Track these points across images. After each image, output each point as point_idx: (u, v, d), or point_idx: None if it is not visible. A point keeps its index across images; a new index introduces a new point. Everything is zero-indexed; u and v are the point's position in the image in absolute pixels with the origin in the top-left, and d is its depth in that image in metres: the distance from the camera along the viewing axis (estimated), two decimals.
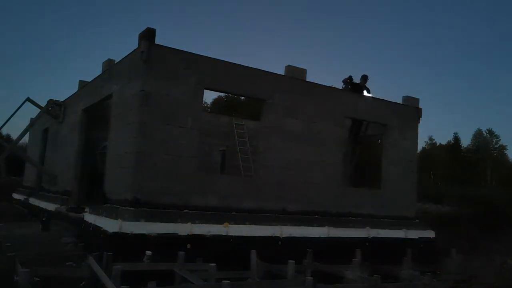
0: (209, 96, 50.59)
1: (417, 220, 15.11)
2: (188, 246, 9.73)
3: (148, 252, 9.25)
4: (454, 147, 69.06)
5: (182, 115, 10.86)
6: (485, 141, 72.61)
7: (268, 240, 11.06)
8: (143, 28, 10.72)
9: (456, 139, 70.77)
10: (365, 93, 14.97)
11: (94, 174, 14.25)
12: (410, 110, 15.35)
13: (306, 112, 12.89)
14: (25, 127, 18.08)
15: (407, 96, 15.57)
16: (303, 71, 13.11)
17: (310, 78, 13.28)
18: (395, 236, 13.69)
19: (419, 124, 15.60)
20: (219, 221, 10.61)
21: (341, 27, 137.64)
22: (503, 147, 73.92)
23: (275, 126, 12.43)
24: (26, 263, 7.82)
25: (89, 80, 15.64)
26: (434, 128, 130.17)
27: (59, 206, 14.67)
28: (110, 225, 9.78)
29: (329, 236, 12.24)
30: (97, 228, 10.49)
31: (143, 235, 9.52)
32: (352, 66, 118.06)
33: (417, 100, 15.64)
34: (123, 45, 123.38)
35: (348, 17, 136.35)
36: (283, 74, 12.89)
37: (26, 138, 23.81)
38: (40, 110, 17.67)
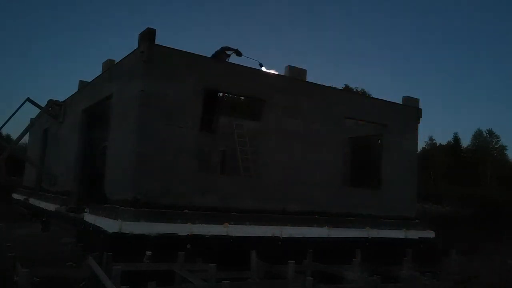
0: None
1: (417, 220, 15.10)
2: (188, 246, 9.72)
3: (148, 252, 9.25)
4: (454, 147, 69.07)
5: (182, 115, 10.86)
6: (485, 141, 72.66)
7: (268, 240, 11.05)
8: (143, 28, 10.74)
9: (456, 139, 70.86)
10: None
11: (94, 174, 14.22)
12: (410, 111, 15.35)
13: (306, 112, 12.89)
14: (25, 127, 18.07)
15: (407, 96, 15.58)
16: (303, 71, 13.11)
17: (310, 78, 13.32)
18: (395, 236, 13.69)
19: (419, 124, 15.63)
20: (219, 221, 10.60)
21: (341, 27, 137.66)
22: (503, 147, 74.10)
23: (275, 126, 12.42)
24: (26, 263, 7.81)
25: (89, 80, 15.64)
26: (434, 128, 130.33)
27: (59, 206, 14.64)
28: (110, 225, 9.77)
29: (329, 236, 12.23)
30: (97, 228, 10.48)
31: (143, 235, 9.52)
32: (352, 66, 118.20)
33: (417, 100, 15.65)
34: (123, 45, 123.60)
35: (348, 17, 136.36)
36: (283, 74, 12.89)
37: (26, 138, 23.80)
38: (40, 110, 17.66)
